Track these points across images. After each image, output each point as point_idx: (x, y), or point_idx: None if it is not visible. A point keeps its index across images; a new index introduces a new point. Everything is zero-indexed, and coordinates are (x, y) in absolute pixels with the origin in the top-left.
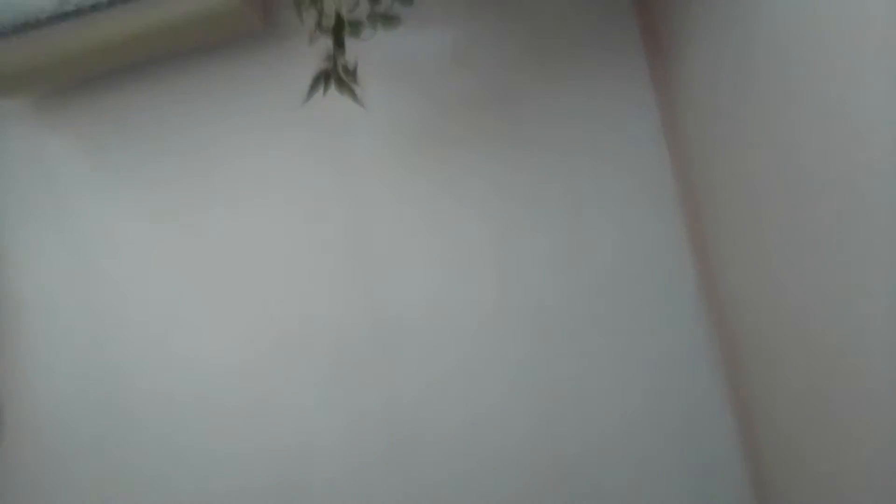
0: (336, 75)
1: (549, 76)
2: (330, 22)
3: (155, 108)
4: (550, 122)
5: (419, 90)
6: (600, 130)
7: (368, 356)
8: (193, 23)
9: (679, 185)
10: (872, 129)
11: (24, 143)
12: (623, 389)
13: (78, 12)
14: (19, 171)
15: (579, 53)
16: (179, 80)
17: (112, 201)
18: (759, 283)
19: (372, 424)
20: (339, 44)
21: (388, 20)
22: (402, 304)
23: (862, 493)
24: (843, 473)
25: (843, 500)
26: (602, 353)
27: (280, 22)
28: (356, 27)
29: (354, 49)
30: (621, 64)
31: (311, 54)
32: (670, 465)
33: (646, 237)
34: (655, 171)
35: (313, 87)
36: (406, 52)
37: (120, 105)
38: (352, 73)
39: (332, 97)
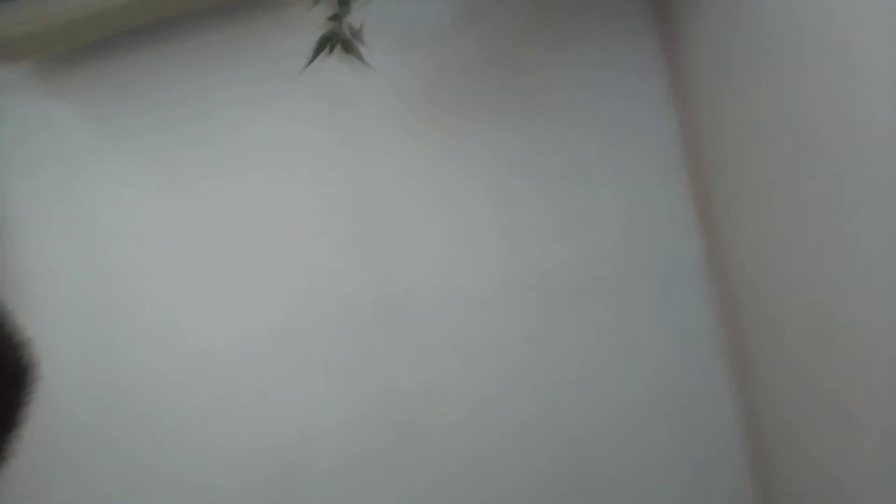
0: (342, 37)
1: (554, 42)
2: None
3: (158, 77)
4: (556, 90)
5: (422, 57)
6: (607, 98)
7: (372, 334)
8: None
9: (686, 154)
10: (887, 97)
11: (27, 110)
12: (627, 367)
13: None
14: (23, 139)
15: (585, 19)
16: (181, 48)
17: (116, 171)
18: (766, 253)
19: (374, 410)
20: (343, 3)
21: None
22: (406, 277)
23: (864, 477)
24: (846, 456)
25: (844, 483)
26: (606, 327)
27: None
28: None
29: (357, 14)
30: (628, 30)
31: (312, 21)
32: (672, 451)
33: (652, 206)
34: (662, 140)
35: (318, 49)
36: (408, 18)
37: (123, 72)
38: (357, 34)
39: (334, 66)
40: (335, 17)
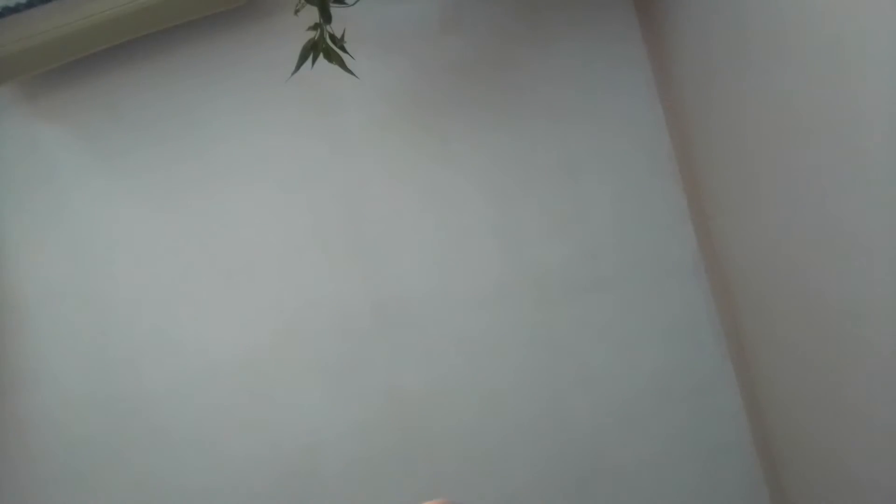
0: (324, 45)
1: (539, 40)
2: None
3: (145, 92)
4: (543, 87)
5: (408, 60)
6: (594, 93)
7: (371, 339)
8: None
9: (675, 144)
10: (872, 84)
11: (15, 132)
12: (628, 361)
13: None
14: (12, 161)
15: (569, 14)
16: (167, 62)
17: (108, 188)
18: (759, 241)
19: (377, 413)
20: (324, 11)
21: None
22: (402, 281)
23: (869, 463)
24: (845, 435)
25: (848, 467)
26: (605, 322)
27: None
28: None
29: (342, 20)
30: (612, 24)
31: (297, 29)
32: (678, 441)
33: (644, 199)
34: (651, 132)
35: (302, 58)
36: (393, 21)
37: (110, 89)
38: (339, 42)
39: (322, 73)
40: (316, 26)
